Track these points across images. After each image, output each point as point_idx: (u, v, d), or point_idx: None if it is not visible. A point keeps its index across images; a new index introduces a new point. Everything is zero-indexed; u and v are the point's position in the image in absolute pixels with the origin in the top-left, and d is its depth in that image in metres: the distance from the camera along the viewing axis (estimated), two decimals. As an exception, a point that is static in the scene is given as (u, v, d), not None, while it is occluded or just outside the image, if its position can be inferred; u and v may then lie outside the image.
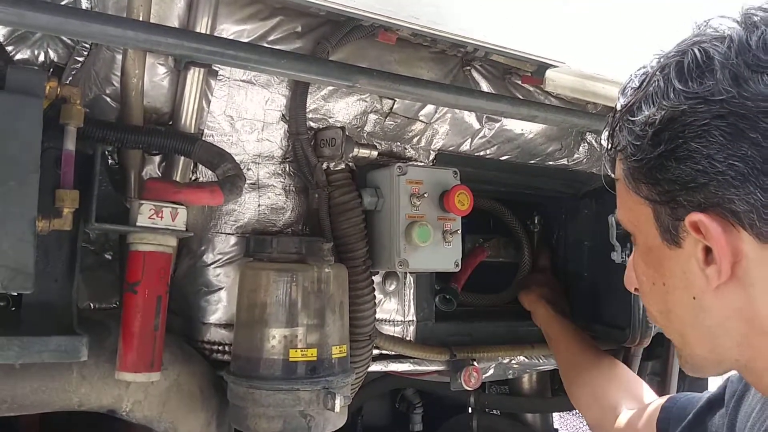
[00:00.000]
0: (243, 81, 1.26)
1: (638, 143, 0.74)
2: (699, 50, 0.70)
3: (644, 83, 0.75)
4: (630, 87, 0.77)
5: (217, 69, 1.23)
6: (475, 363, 1.58)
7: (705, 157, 0.68)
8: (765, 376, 0.74)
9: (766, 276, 0.69)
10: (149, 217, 1.09)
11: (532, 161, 1.70)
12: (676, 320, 0.80)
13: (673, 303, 0.79)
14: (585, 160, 1.78)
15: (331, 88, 1.34)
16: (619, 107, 0.78)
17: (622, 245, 1.51)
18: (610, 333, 1.58)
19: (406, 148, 1.50)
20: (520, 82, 1.53)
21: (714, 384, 2.03)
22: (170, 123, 1.24)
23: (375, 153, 1.39)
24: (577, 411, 1.57)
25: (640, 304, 1.47)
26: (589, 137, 1.77)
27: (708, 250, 0.71)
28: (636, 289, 0.90)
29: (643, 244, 0.81)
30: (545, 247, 1.94)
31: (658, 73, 0.73)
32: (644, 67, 0.77)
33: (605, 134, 0.82)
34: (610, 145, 0.81)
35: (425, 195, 1.37)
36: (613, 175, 0.84)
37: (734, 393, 0.99)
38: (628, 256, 1.47)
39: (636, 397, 1.36)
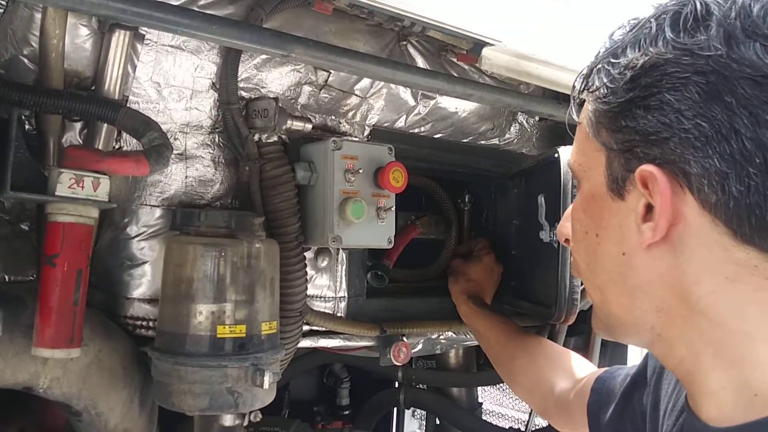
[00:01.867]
0: (171, 46, 1.21)
1: (612, 86, 0.73)
2: (701, 3, 0.68)
3: (635, 28, 0.74)
4: (619, 32, 0.76)
5: (143, 33, 1.17)
6: (404, 338, 1.59)
7: (675, 111, 0.67)
8: (677, 347, 0.75)
9: (699, 244, 0.69)
10: (69, 187, 1.03)
11: (465, 140, 1.71)
12: (601, 274, 0.80)
13: (602, 256, 0.79)
14: (515, 141, 1.81)
15: (264, 57, 1.30)
16: (602, 50, 0.77)
17: (550, 224, 1.53)
18: (537, 310, 1.61)
19: (340, 123, 1.48)
20: (455, 60, 1.53)
21: (634, 355, 2.12)
22: (93, 88, 1.17)
23: (309, 126, 1.36)
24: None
25: (567, 282, 1.50)
26: (520, 117, 1.80)
27: (649, 208, 0.71)
28: (566, 241, 0.90)
29: (588, 191, 0.80)
30: (482, 233, 1.95)
31: (652, 20, 0.71)
32: (638, 18, 0.75)
33: (579, 77, 0.80)
34: (582, 87, 0.80)
35: (360, 171, 1.35)
36: (576, 119, 0.83)
37: (654, 369, 1.01)
38: (556, 236, 1.51)
39: (571, 373, 1.38)
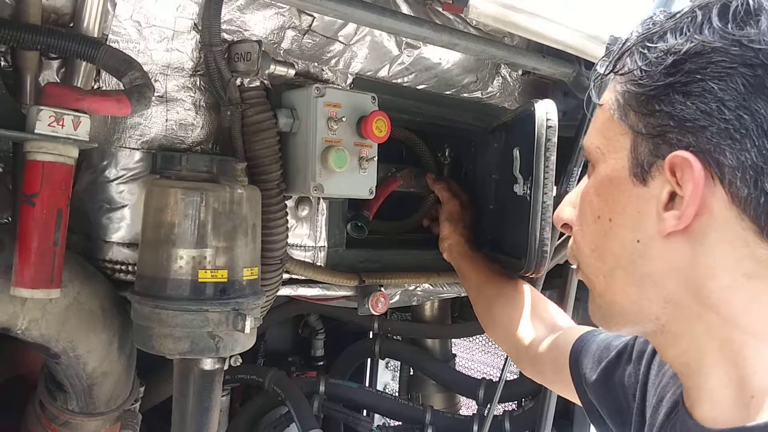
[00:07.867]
0: (153, -16, 1.18)
1: (649, 69, 0.72)
2: None
3: (675, 16, 0.73)
4: (652, 20, 0.76)
5: (124, -32, 1.14)
6: (382, 289, 1.61)
7: (717, 99, 0.67)
8: (680, 339, 0.75)
9: (720, 238, 0.69)
10: (49, 125, 1.00)
11: (448, 92, 1.70)
12: (609, 261, 0.79)
13: (613, 242, 0.78)
14: (498, 94, 1.80)
15: (249, -2, 1.27)
16: (634, 35, 0.77)
17: (524, 178, 1.54)
18: (510, 263, 1.62)
19: (323, 70, 1.46)
20: (440, 9, 1.51)
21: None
22: (71, 25, 1.14)
23: (292, 71, 1.34)
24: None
25: (537, 234, 1.49)
26: (503, 71, 1.79)
27: (672, 196, 0.71)
28: (563, 225, 0.89)
29: (604, 174, 0.79)
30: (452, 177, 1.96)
31: (697, 9, 0.71)
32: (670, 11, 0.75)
33: (604, 61, 0.80)
34: (609, 70, 0.79)
35: (343, 119, 1.33)
36: (597, 101, 0.82)
37: (642, 353, 1.01)
38: (530, 189, 1.52)
39: (545, 324, 1.40)
